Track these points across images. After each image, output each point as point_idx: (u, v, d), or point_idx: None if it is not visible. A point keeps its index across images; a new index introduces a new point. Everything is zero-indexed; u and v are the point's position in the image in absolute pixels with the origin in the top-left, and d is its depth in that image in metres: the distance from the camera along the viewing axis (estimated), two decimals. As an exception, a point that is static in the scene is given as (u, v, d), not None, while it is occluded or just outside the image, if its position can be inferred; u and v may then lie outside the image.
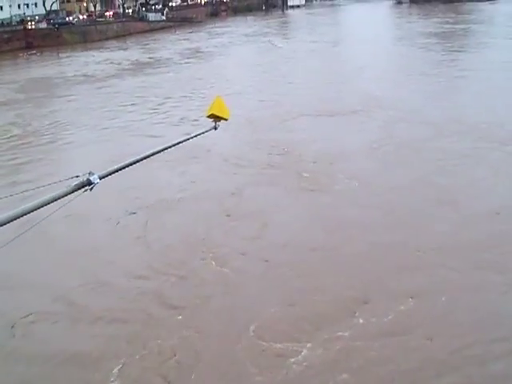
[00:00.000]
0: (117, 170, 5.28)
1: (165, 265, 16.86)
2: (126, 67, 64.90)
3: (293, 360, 12.31)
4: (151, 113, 38.88)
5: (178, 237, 18.86)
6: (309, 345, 12.75)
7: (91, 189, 4.73)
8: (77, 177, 4.76)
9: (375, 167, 25.08)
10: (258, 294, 15.10)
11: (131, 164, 5.50)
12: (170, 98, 43.59)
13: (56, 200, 4.61)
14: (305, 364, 12.21)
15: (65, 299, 15.32)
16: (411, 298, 14.47)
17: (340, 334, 13.15)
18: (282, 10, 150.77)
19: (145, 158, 5.71)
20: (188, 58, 69.00)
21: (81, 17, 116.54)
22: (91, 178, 4.73)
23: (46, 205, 4.53)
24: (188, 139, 6.58)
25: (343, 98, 39.17)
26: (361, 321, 13.58)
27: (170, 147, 6.12)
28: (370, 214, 19.81)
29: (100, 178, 4.82)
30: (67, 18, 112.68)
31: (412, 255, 16.71)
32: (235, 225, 19.63)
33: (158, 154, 5.96)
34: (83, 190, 4.76)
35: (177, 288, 15.70)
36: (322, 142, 29.32)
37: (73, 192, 4.73)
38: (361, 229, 18.61)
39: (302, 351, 12.58)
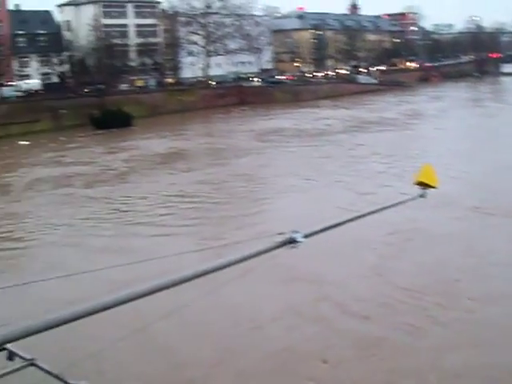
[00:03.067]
0: (323, 230, 5.22)
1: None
2: (354, 124, 70.28)
3: None
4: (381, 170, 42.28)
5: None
6: None
7: (295, 247, 4.76)
8: (281, 234, 4.78)
9: None
10: None
11: (338, 225, 5.48)
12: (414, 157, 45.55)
13: (257, 256, 4.70)
14: None
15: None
16: None
17: None
18: (496, 77, 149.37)
19: (352, 219, 5.70)
20: (412, 119, 72.32)
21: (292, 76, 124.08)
22: (295, 237, 4.76)
23: (247, 259, 4.61)
24: (392, 206, 6.35)
25: None
26: None
27: (375, 212, 6.04)
28: None
29: (305, 237, 4.82)
30: (279, 77, 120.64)
31: None
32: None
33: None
34: (287, 247, 4.76)
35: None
36: None
37: (275, 249, 4.76)
38: None
39: None
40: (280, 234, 4.63)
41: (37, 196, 38.71)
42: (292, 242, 4.64)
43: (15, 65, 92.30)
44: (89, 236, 28.85)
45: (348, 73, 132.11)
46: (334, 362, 16.34)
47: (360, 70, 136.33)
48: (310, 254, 18.56)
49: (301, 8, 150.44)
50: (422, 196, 5.86)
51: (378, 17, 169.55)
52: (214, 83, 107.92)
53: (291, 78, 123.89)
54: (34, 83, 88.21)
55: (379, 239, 25.90)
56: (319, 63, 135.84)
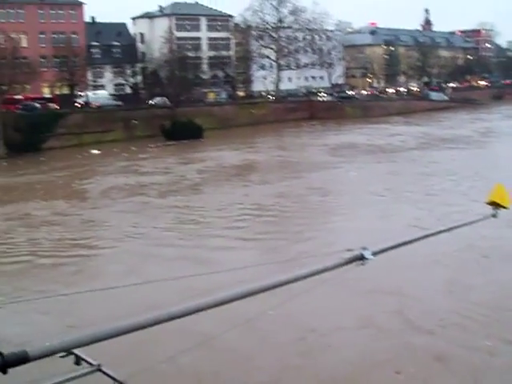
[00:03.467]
0: (392, 247, 5.14)
1: None
2: (426, 141, 70.33)
3: None
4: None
5: None
6: None
7: (363, 264, 4.71)
8: (349, 250, 4.75)
9: None
10: None
11: (408, 243, 5.37)
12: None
13: (326, 271, 4.65)
14: None
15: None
16: None
17: None
18: None
19: (422, 237, 5.64)
20: (485, 137, 71.76)
21: (363, 92, 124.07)
22: (364, 253, 4.68)
23: (316, 274, 4.58)
24: (464, 225, 6.28)
25: None
26: None
27: (447, 230, 5.88)
28: None
29: (373, 254, 4.73)
30: (350, 93, 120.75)
31: None
32: None
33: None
34: (355, 264, 4.72)
35: None
36: None
37: (344, 265, 4.70)
38: None
39: None
40: (349, 250, 4.61)
41: (113, 204, 39.78)
42: (361, 258, 4.61)
43: (89, 75, 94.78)
44: (164, 245, 29.46)
45: (419, 89, 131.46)
46: (408, 374, 16.43)
47: (433, 86, 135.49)
48: (380, 269, 18.57)
49: (373, 23, 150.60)
50: (493, 216, 5.80)
51: (451, 33, 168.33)
52: (271, 98, 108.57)
53: (372, 92, 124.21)
54: (102, 94, 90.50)
55: (451, 256, 25.73)
56: (391, 79, 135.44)
